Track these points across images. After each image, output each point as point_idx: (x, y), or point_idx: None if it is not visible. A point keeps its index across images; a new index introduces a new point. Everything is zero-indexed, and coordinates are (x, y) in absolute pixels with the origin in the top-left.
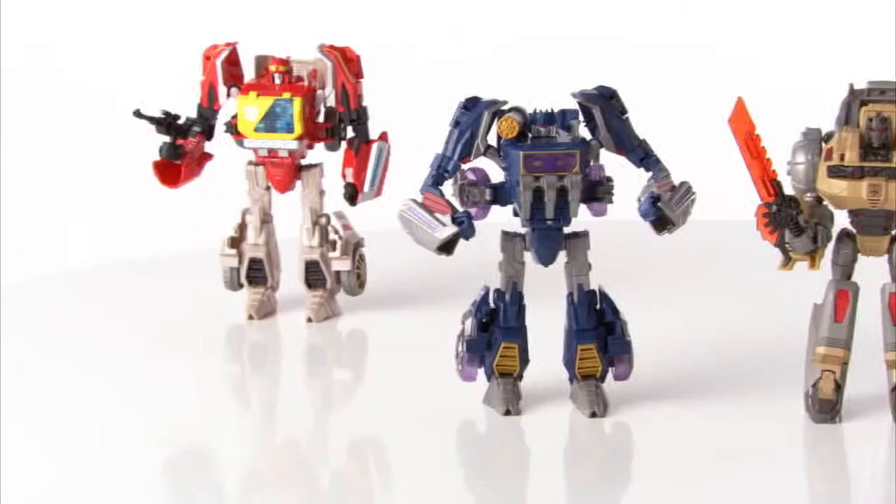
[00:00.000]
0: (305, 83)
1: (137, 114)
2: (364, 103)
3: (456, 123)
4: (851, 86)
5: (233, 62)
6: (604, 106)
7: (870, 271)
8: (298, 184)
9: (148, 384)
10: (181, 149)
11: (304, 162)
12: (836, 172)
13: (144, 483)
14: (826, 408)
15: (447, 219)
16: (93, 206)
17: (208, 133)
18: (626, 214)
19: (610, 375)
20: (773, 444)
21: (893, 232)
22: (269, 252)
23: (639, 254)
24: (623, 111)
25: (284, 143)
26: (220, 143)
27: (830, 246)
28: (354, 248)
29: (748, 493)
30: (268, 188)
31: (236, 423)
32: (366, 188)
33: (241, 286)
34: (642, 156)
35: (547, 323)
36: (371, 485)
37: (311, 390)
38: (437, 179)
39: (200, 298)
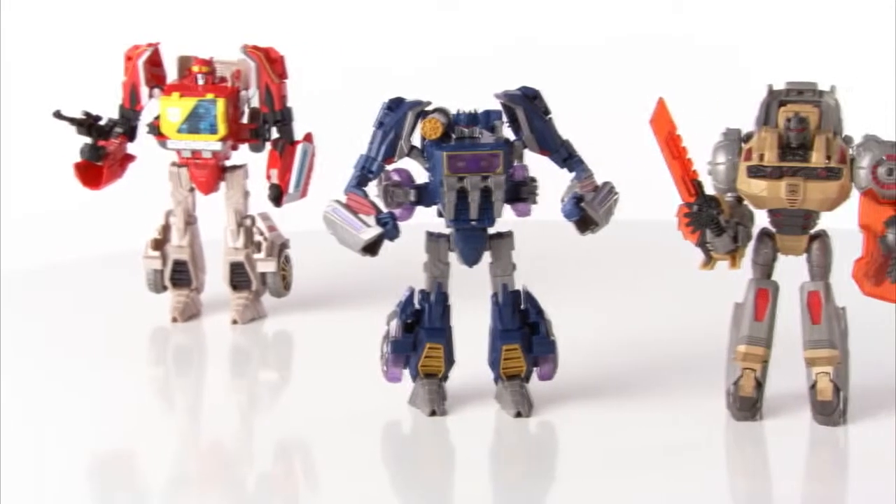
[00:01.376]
0: (229, 84)
1: (58, 115)
2: (288, 104)
3: (380, 124)
4: (770, 86)
5: (155, 63)
6: (527, 106)
7: (789, 270)
8: (223, 185)
9: (72, 387)
10: (103, 150)
11: (228, 163)
12: (755, 172)
13: (68, 486)
14: (747, 405)
15: (371, 220)
16: (13, 208)
17: (130, 134)
18: (550, 215)
19: (535, 375)
20: (695, 442)
21: (812, 231)
22: (194, 254)
23: (563, 254)
24: (546, 112)
25: (208, 144)
26: (142, 145)
27: (751, 245)
28: (280, 250)
29: (671, 490)
30: (191, 190)
31: (161, 426)
32: (291, 189)
33: (164, 288)
34: (565, 156)
35: (472, 323)
36: (297, 486)
37: (237, 392)
38: (361, 180)
39: (123, 301)
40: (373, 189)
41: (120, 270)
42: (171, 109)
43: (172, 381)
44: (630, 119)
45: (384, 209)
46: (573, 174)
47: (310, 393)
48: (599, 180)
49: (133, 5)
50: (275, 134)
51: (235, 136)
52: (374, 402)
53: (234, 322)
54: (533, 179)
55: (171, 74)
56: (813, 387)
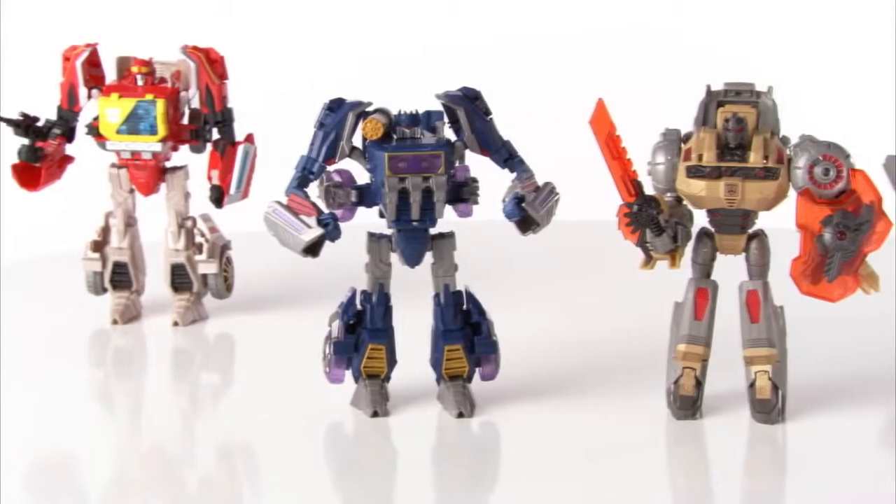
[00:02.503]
0: (169, 85)
1: None
2: (229, 105)
3: (320, 125)
4: (708, 87)
5: (93, 63)
6: (468, 107)
7: (728, 270)
8: (163, 186)
9: (10, 390)
10: (41, 151)
11: (168, 164)
12: (694, 173)
13: (8, 489)
14: (687, 404)
15: (312, 221)
16: None
17: (69, 135)
18: (492, 215)
19: (477, 375)
20: (636, 441)
21: (750, 231)
22: (134, 255)
23: (504, 254)
24: (487, 112)
25: (148, 145)
26: (81, 146)
27: (690, 245)
28: (221, 251)
29: (613, 489)
30: (131, 191)
31: (101, 429)
32: (232, 190)
33: (105, 290)
34: (506, 157)
35: (414, 324)
36: (239, 488)
37: (178, 394)
38: (301, 181)
39: (63, 303)
40: (314, 190)
41: (59, 272)
42: (110, 110)
43: (113, 383)
44: (570, 119)
45: (325, 210)
46: (514, 175)
47: (252, 395)
48: (540, 181)
49: (71, 5)
50: (216, 135)
51: (176, 137)
52: (317, 404)
53: (176, 324)
54: (474, 180)
55: (111, 75)
56: (752, 385)
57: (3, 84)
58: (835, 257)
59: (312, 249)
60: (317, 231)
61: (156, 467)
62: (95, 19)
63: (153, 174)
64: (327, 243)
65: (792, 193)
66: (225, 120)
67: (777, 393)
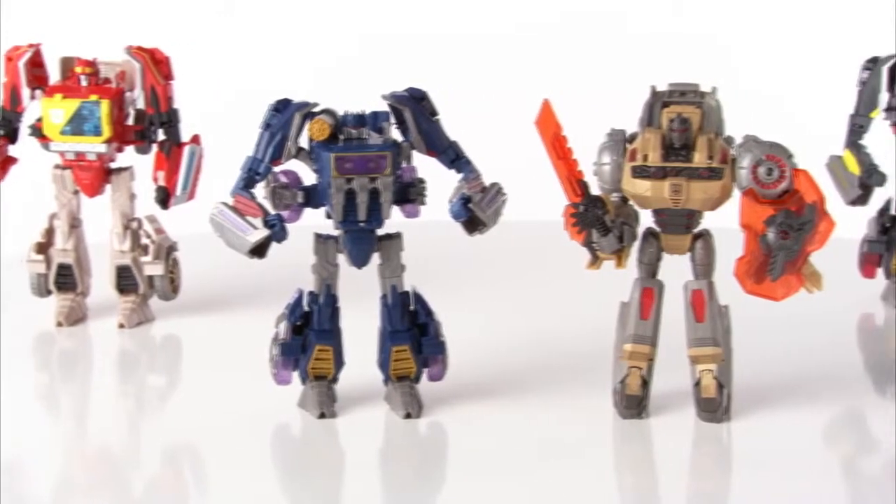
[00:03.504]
0: (113, 85)
1: None
2: (175, 105)
3: (266, 126)
4: (653, 88)
5: (37, 64)
6: (414, 108)
7: (674, 269)
8: (108, 187)
9: None
10: None
11: (113, 165)
12: (639, 173)
13: None
14: (633, 403)
15: (258, 222)
16: None
17: (12, 136)
18: (439, 216)
19: (425, 376)
20: (583, 441)
21: (695, 230)
22: (79, 257)
23: (452, 255)
24: (434, 113)
25: (92, 146)
26: (25, 147)
27: (636, 245)
28: (167, 252)
29: (560, 488)
30: (76, 192)
31: (46, 432)
32: (178, 191)
33: (49, 292)
34: (453, 157)
35: (361, 325)
36: (186, 490)
37: (125, 397)
38: (247, 182)
39: (7, 305)
40: (260, 191)
41: (3, 274)
42: (53, 111)
43: (58, 386)
44: (516, 120)
45: (271, 211)
46: (461, 175)
47: (198, 396)
48: (487, 181)
49: (14, 5)
50: (161, 136)
51: (121, 137)
52: (264, 405)
53: (121, 326)
54: (421, 180)
55: (54, 76)
56: (697, 384)
57: None
58: (778, 257)
59: (259, 251)
60: (263, 232)
61: (101, 470)
62: (38, 19)
63: (98, 175)
64: (274, 244)
65: (736, 193)
66: (171, 121)
67: (722, 392)
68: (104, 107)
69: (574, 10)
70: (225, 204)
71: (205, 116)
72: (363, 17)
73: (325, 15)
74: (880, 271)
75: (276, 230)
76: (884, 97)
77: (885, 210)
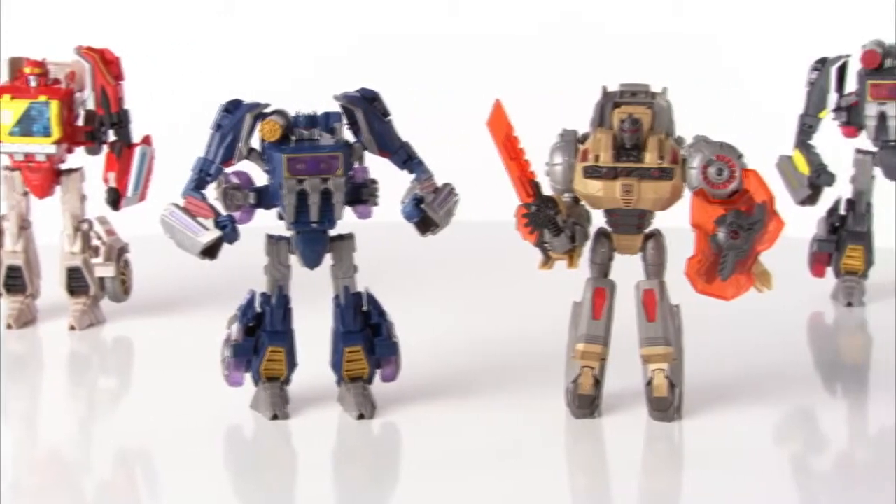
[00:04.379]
0: (63, 86)
1: None
2: (125, 106)
3: (217, 126)
4: (604, 88)
5: None
6: (366, 108)
7: (625, 269)
8: (58, 189)
9: None
10: None
11: (63, 166)
12: (591, 173)
13: None
14: (585, 403)
15: (210, 223)
16: None
17: None
18: (391, 216)
19: (378, 377)
20: (536, 440)
21: (646, 230)
22: (28, 259)
23: (404, 255)
24: (386, 113)
25: (42, 147)
26: None
27: (588, 245)
28: (119, 254)
29: (513, 488)
30: (25, 193)
31: None
32: (129, 192)
33: None
34: (405, 158)
35: (314, 326)
36: (138, 493)
37: (75, 399)
38: (199, 183)
39: None
40: (212, 192)
41: None
42: (2, 112)
43: (7, 388)
44: (468, 120)
45: (223, 212)
46: (413, 175)
47: (150, 398)
48: (439, 181)
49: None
50: (112, 136)
51: (70, 138)
52: (216, 407)
53: (72, 328)
54: (373, 181)
55: (2, 76)
56: (649, 383)
57: None
58: (728, 256)
59: (210, 252)
60: (214, 233)
61: (52, 473)
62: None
63: (48, 176)
64: (225, 245)
65: (687, 193)
66: (121, 121)
67: (674, 391)
68: (53, 107)
69: (524, 12)
70: (176, 205)
71: (156, 116)
72: (317, 18)
73: (284, 14)
74: (830, 270)
75: (228, 231)
76: (832, 97)
77: (834, 210)
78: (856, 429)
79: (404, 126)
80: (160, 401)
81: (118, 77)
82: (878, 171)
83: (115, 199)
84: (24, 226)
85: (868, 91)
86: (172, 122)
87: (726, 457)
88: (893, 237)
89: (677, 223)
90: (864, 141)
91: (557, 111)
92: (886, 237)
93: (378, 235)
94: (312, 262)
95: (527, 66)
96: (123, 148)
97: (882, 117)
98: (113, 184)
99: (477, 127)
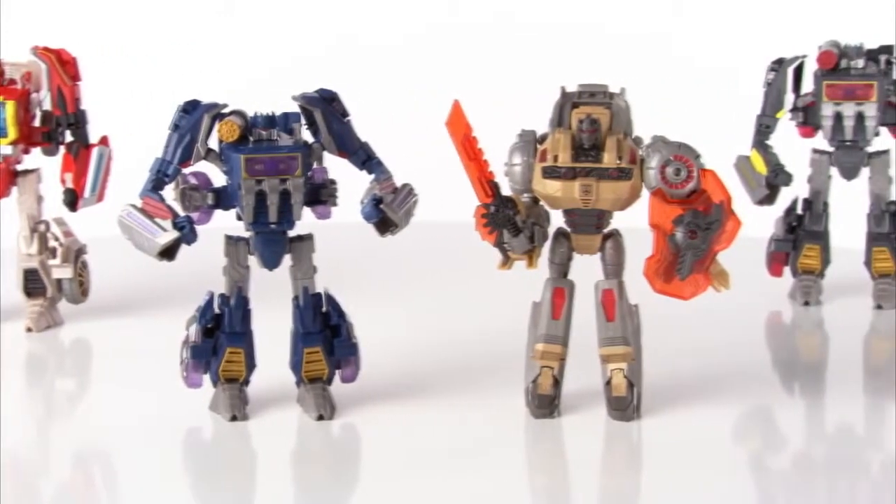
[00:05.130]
0: (19, 86)
1: None
2: (82, 107)
3: (175, 127)
4: (563, 88)
5: None
6: (325, 109)
7: (584, 269)
8: (15, 190)
9: None
10: None
11: (20, 167)
12: (550, 173)
13: None
14: (545, 403)
15: (168, 224)
16: None
17: None
18: (350, 217)
19: (337, 378)
20: (495, 440)
21: (605, 230)
22: None
23: (364, 256)
24: (344, 114)
25: None
26: None
27: (547, 245)
28: (76, 255)
29: (473, 488)
30: None
31: None
32: (86, 193)
33: None
34: (364, 158)
35: (273, 327)
36: (96, 496)
37: (32, 401)
38: (156, 184)
39: None
40: (170, 193)
41: None
42: None
43: None
44: (427, 121)
45: (181, 213)
46: (372, 176)
47: (108, 400)
48: (399, 182)
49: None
50: (69, 137)
51: (27, 139)
52: (175, 409)
53: (29, 330)
54: (333, 181)
55: None
56: (608, 383)
57: None
58: (686, 256)
59: (168, 253)
60: (172, 234)
61: (9, 476)
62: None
63: (4, 177)
64: (184, 247)
65: (645, 193)
66: (78, 122)
67: (632, 390)
68: (9, 108)
69: (482, 10)
70: (133, 206)
71: (113, 117)
72: (275, 19)
73: (242, 15)
74: (787, 270)
75: (186, 232)
76: (789, 98)
77: (791, 209)
78: (813, 427)
79: (363, 127)
80: (118, 403)
81: (75, 77)
82: (834, 171)
83: (73, 200)
84: None
85: (824, 91)
86: (130, 123)
87: (685, 455)
88: (850, 236)
89: (636, 223)
90: (821, 141)
91: (516, 111)
92: (843, 236)
93: (337, 236)
94: (271, 263)
95: (485, 66)
96: (80, 149)
97: (838, 117)
98: (70, 185)
99: (436, 127)
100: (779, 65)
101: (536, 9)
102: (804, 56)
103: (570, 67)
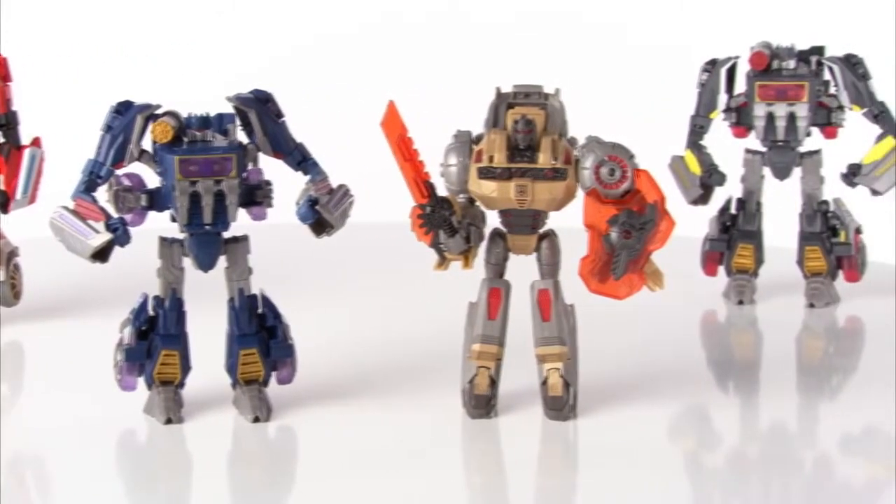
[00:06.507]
0: None
1: None
2: (13, 108)
3: (108, 128)
4: (498, 89)
5: None
6: (259, 109)
7: (520, 269)
8: None
9: None
10: None
11: None
12: (485, 174)
13: None
14: (482, 403)
15: (101, 226)
16: None
17: None
18: (286, 218)
19: (273, 379)
20: (432, 441)
21: (541, 231)
22: None
23: (299, 257)
24: (279, 114)
25: None
26: None
27: (483, 245)
28: (8, 258)
29: (410, 489)
30: None
31: None
32: (18, 195)
33: None
34: (300, 159)
35: (208, 329)
36: (30, 500)
37: None
38: (89, 185)
39: None
40: (103, 194)
41: None
42: None
43: None
44: (363, 121)
45: (114, 214)
46: (308, 177)
47: (42, 403)
48: (334, 183)
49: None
50: (0, 139)
51: None
52: (109, 412)
53: None
54: (268, 182)
55: None
56: (544, 383)
57: None
58: (621, 256)
59: (101, 255)
60: (105, 236)
61: None
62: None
63: None
64: (117, 248)
65: (580, 193)
66: (9, 123)
67: (568, 390)
68: None
69: (416, 10)
70: (66, 208)
71: (45, 118)
72: (212, 19)
73: (170, 15)
74: (722, 269)
75: (119, 234)
76: (722, 98)
77: (725, 209)
78: (747, 424)
79: (298, 127)
80: (52, 406)
81: (6, 78)
82: (767, 171)
83: (4, 202)
84: None
85: (756, 92)
86: (62, 124)
87: (621, 454)
88: (783, 236)
89: (571, 223)
90: (754, 141)
91: (451, 112)
92: (776, 236)
93: (273, 237)
94: (206, 264)
95: (420, 66)
96: (12, 150)
97: (770, 118)
98: (1, 187)
99: (371, 128)
100: (712, 66)
101: (471, 8)
102: (737, 57)
103: (504, 68)
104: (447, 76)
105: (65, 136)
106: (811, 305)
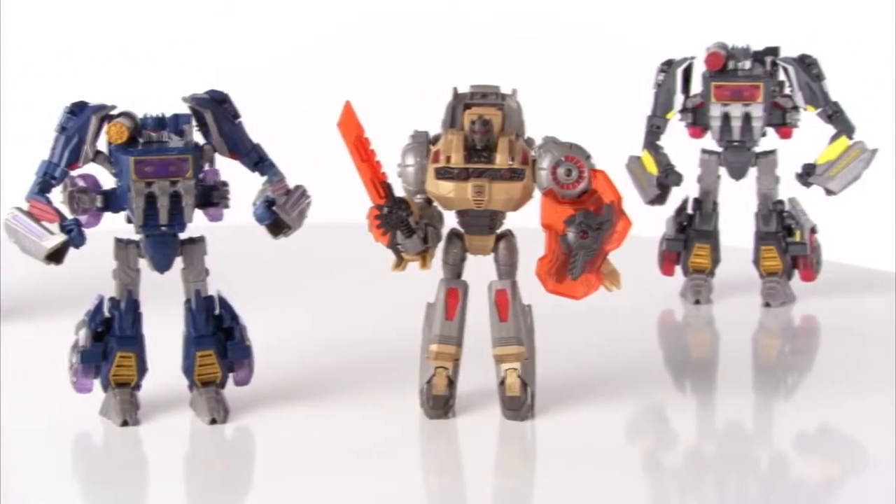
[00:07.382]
0: None
1: None
2: None
3: (62, 129)
4: (455, 90)
5: None
6: (215, 110)
7: (478, 269)
8: None
9: None
10: None
11: None
12: (442, 174)
13: None
14: (440, 403)
15: (55, 227)
16: None
17: None
18: (243, 219)
19: (230, 381)
20: (390, 441)
21: (498, 231)
22: None
23: (256, 258)
24: (236, 115)
25: None
26: None
27: (441, 246)
28: None
29: (368, 490)
30: None
31: None
32: None
33: None
34: (256, 160)
35: (165, 330)
36: None
37: None
38: (43, 187)
39: None
40: (57, 195)
41: None
42: None
43: None
44: (320, 122)
45: (69, 216)
46: (265, 178)
47: None
48: (291, 184)
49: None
50: None
51: None
52: (64, 414)
53: None
54: (224, 183)
55: None
56: (502, 383)
57: None
58: (578, 256)
59: (56, 256)
60: (59, 237)
61: None
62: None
63: None
64: (72, 250)
65: (537, 194)
66: None
67: (526, 390)
68: None
69: (374, 11)
70: (20, 209)
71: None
72: (178, 19)
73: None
74: (678, 269)
75: (74, 235)
76: (679, 99)
77: (682, 209)
78: (704, 423)
79: (255, 128)
80: (6, 408)
81: None
82: (723, 171)
83: None
84: None
85: (712, 92)
86: (15, 125)
87: (579, 454)
88: (739, 235)
89: (528, 223)
90: (710, 141)
91: (408, 112)
92: (732, 235)
93: (229, 238)
94: (162, 265)
95: (376, 66)
96: None
97: (726, 118)
98: None
99: (328, 128)
100: (668, 66)
101: (427, 8)
102: (693, 57)
103: (462, 67)
104: (405, 76)
105: (18, 137)
106: (767, 305)
